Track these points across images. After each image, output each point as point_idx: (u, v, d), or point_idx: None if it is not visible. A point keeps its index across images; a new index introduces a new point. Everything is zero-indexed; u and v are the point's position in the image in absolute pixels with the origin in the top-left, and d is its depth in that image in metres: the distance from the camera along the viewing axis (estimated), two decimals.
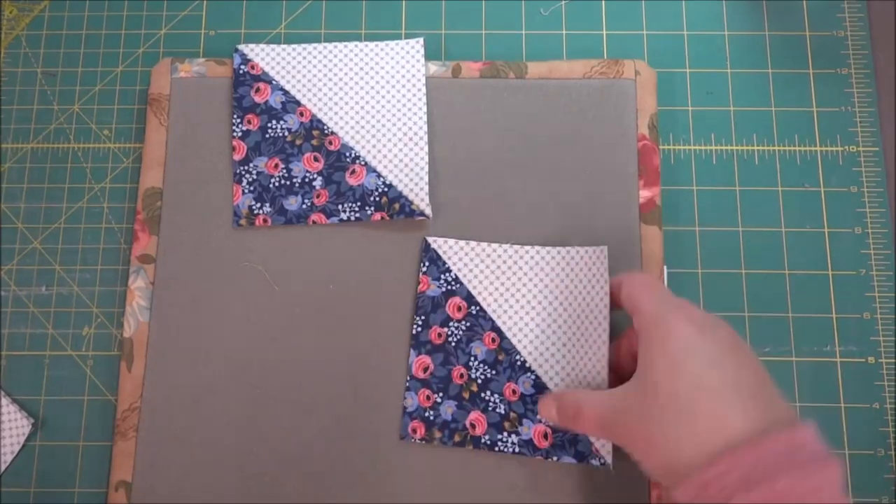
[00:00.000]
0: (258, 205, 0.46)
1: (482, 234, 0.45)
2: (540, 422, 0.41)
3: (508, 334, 0.43)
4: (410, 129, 0.46)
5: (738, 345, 0.33)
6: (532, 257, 0.44)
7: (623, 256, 0.44)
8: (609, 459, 0.39)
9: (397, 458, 0.43)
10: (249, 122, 0.47)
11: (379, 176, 0.46)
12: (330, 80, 0.47)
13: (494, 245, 0.44)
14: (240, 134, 0.47)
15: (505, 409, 0.42)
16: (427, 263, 0.44)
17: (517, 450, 0.42)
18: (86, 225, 0.48)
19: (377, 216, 0.45)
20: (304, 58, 0.48)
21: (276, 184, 0.46)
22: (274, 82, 0.47)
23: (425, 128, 0.46)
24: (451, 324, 0.44)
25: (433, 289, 0.44)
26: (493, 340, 0.43)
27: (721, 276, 0.46)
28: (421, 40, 0.48)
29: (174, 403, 0.44)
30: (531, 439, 0.41)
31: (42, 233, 0.48)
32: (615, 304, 0.39)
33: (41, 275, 0.47)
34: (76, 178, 0.49)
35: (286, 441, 0.43)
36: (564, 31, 0.50)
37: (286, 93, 0.47)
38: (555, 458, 0.41)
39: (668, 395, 0.32)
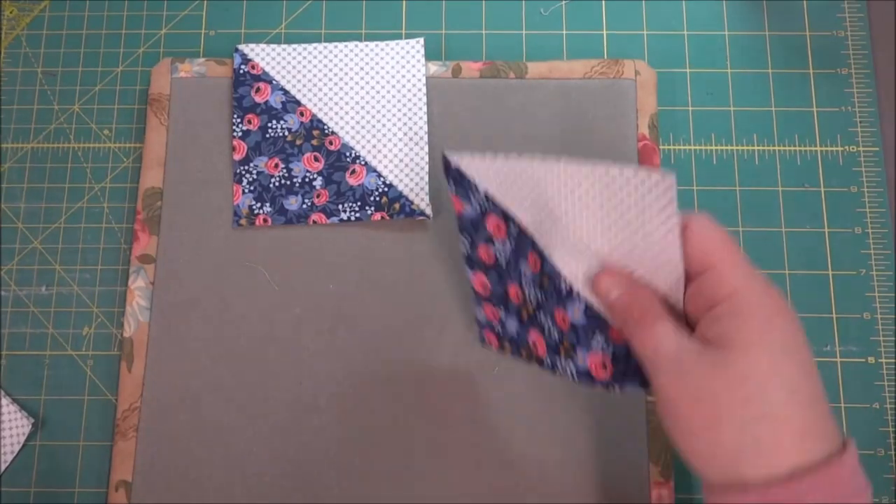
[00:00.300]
0: (258, 205, 0.46)
1: None
2: (596, 351, 0.35)
3: (547, 255, 0.36)
4: (410, 129, 0.46)
5: (813, 364, 0.31)
6: (559, 170, 0.34)
7: None
8: None
9: (397, 458, 0.43)
10: (249, 121, 0.47)
11: (379, 176, 0.46)
12: (330, 80, 0.47)
13: (521, 160, 0.35)
14: (240, 134, 0.47)
15: (559, 336, 0.36)
16: (452, 184, 0.38)
17: (576, 378, 0.36)
18: (86, 225, 0.48)
19: (377, 216, 0.45)
20: (305, 58, 0.48)
21: (277, 184, 0.46)
22: (274, 82, 0.47)
23: (425, 128, 0.46)
24: (495, 242, 0.38)
25: (467, 210, 0.38)
26: (535, 263, 0.37)
27: None
28: (421, 40, 0.48)
29: (174, 403, 0.44)
30: (588, 370, 0.35)
31: (42, 233, 0.48)
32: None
33: (41, 275, 0.47)
34: (76, 178, 0.49)
35: (286, 441, 0.43)
36: (564, 31, 0.50)
37: (286, 93, 0.47)
38: (617, 388, 0.35)
39: (749, 397, 0.29)
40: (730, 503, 0.29)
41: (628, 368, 0.35)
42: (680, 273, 0.32)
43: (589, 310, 0.35)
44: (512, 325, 0.39)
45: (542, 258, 0.36)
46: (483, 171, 0.37)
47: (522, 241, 0.37)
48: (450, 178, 0.38)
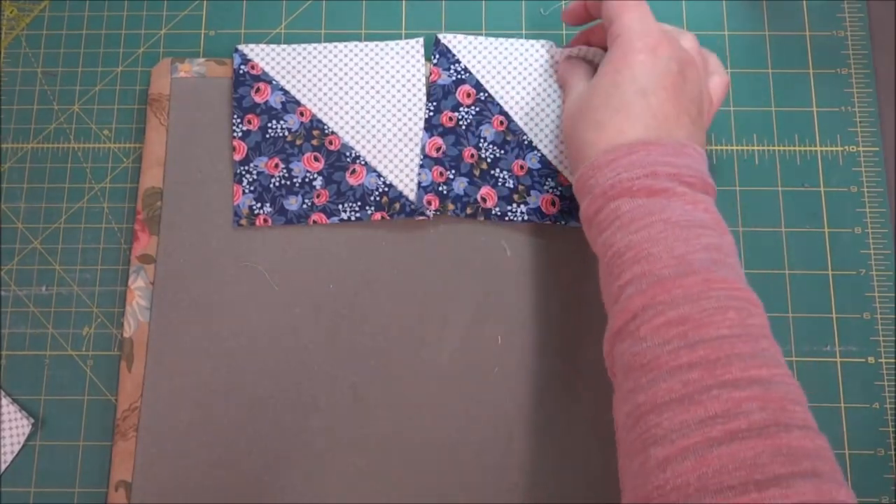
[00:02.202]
0: (258, 205, 0.46)
1: (482, 232, 0.45)
2: (547, 192, 0.45)
3: (515, 118, 0.46)
4: (410, 129, 0.46)
5: (659, 90, 0.38)
6: (541, 53, 0.47)
7: None
8: None
9: (397, 458, 0.43)
10: (249, 122, 0.47)
11: (379, 176, 0.46)
12: (330, 80, 0.47)
13: (502, 39, 0.47)
14: (240, 134, 0.47)
15: (514, 184, 0.45)
16: (437, 56, 0.47)
17: (526, 217, 0.45)
18: (86, 225, 0.48)
19: (377, 216, 0.45)
20: (304, 58, 0.48)
21: (277, 184, 0.46)
22: (274, 82, 0.47)
23: None
24: (461, 109, 0.46)
25: (443, 78, 0.47)
26: (501, 123, 0.46)
27: None
28: (421, 40, 0.48)
29: (174, 403, 0.44)
30: (539, 207, 0.45)
31: (42, 233, 0.48)
32: (592, 12, 0.43)
33: (41, 275, 0.47)
34: (76, 178, 0.49)
35: (286, 441, 0.43)
36: (564, 31, 0.50)
37: (286, 93, 0.47)
38: (563, 223, 0.45)
39: (604, 99, 0.39)
40: (579, 175, 0.39)
41: (572, 208, 0.45)
42: None
43: (544, 158, 0.46)
44: (460, 185, 0.45)
45: (509, 119, 0.46)
46: (465, 48, 0.47)
47: (490, 107, 0.46)
48: (436, 51, 0.48)
